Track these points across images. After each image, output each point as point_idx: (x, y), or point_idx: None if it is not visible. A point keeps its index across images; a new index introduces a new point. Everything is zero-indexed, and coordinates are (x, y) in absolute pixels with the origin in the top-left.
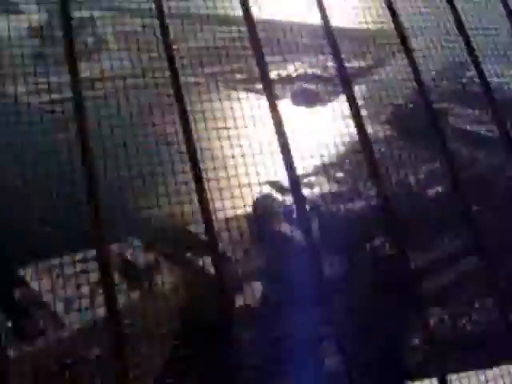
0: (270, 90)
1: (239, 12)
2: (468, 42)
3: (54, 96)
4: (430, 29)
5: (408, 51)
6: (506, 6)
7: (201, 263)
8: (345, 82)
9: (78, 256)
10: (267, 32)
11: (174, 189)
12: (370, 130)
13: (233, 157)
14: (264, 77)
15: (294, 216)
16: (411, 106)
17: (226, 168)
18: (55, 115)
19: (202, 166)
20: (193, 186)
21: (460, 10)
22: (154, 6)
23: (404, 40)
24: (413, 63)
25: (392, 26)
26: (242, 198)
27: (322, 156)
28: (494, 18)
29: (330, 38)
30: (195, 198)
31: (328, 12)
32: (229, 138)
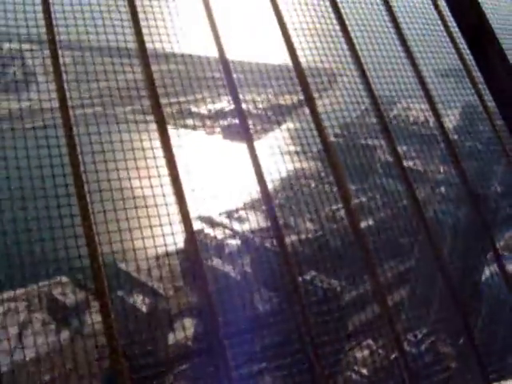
0: (202, 123)
1: (168, 46)
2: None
3: None
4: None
5: (334, 89)
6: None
7: (132, 301)
8: (276, 117)
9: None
10: (195, 67)
11: (104, 227)
12: (300, 165)
13: (163, 195)
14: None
15: (226, 251)
16: (340, 141)
17: (156, 206)
18: None
19: (133, 203)
20: (125, 223)
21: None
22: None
23: (333, 77)
24: (338, 101)
25: (323, 65)
26: (173, 234)
27: (252, 191)
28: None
29: (261, 74)
30: (127, 236)
31: (261, 47)
32: (159, 176)
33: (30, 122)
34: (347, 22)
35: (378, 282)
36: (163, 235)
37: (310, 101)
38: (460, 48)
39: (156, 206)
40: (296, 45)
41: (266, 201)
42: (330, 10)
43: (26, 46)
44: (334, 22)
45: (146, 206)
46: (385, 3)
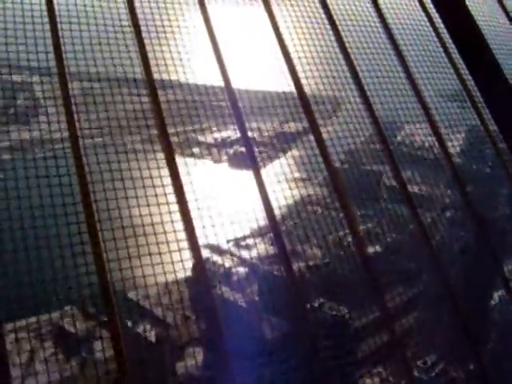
0: (209, 152)
1: (174, 76)
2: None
3: None
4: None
5: (339, 116)
6: None
7: (140, 330)
8: (281, 145)
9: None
10: (201, 96)
11: (113, 255)
12: (306, 192)
13: (172, 221)
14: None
15: (234, 279)
16: (346, 167)
17: (165, 233)
18: None
19: (141, 230)
20: (133, 250)
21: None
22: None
23: (337, 104)
24: (343, 128)
25: (327, 92)
26: (182, 262)
27: (259, 218)
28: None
29: (267, 102)
30: (135, 263)
31: (263, 76)
32: (167, 203)
33: (42, 152)
34: (350, 50)
35: (386, 309)
36: (172, 262)
37: (314, 128)
38: (461, 73)
39: (165, 232)
40: (300, 73)
41: (273, 228)
42: (332, 38)
43: (35, 78)
44: (337, 50)
45: (155, 233)
46: (386, 30)
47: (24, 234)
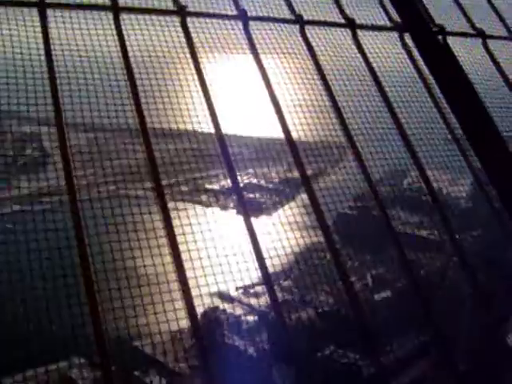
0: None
1: (188, 127)
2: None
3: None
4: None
5: (345, 162)
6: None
7: (149, 380)
8: (288, 191)
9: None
10: (207, 144)
11: (119, 304)
12: (315, 238)
13: (178, 271)
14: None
15: (243, 327)
16: (355, 213)
17: (172, 282)
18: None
19: (147, 278)
20: (141, 299)
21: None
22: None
23: (344, 150)
24: (351, 174)
25: (333, 139)
26: (189, 309)
27: (268, 265)
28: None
29: (273, 149)
30: (141, 311)
31: (268, 123)
32: (173, 251)
33: (49, 203)
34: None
35: (397, 356)
36: (178, 310)
37: (321, 174)
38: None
39: (171, 282)
40: (302, 120)
41: (282, 275)
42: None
43: (44, 129)
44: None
45: (158, 283)
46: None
47: (30, 284)
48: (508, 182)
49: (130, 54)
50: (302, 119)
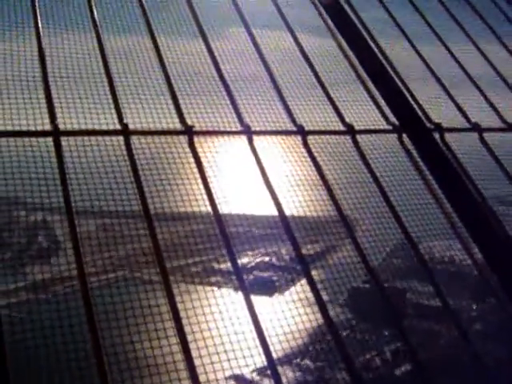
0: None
1: (194, 208)
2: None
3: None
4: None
5: (355, 238)
6: None
7: None
8: (301, 268)
9: None
10: (224, 223)
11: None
12: (329, 314)
13: (185, 354)
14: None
15: None
16: (367, 286)
17: (179, 362)
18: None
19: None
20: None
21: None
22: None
23: (352, 227)
24: (360, 249)
25: (343, 213)
26: None
27: (284, 345)
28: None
29: (283, 227)
30: None
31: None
32: (192, 332)
33: (62, 289)
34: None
35: None
36: None
37: (333, 249)
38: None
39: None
40: (311, 197)
41: (298, 354)
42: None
43: (56, 217)
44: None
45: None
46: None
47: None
48: (507, 268)
49: (140, 171)
50: (313, 196)
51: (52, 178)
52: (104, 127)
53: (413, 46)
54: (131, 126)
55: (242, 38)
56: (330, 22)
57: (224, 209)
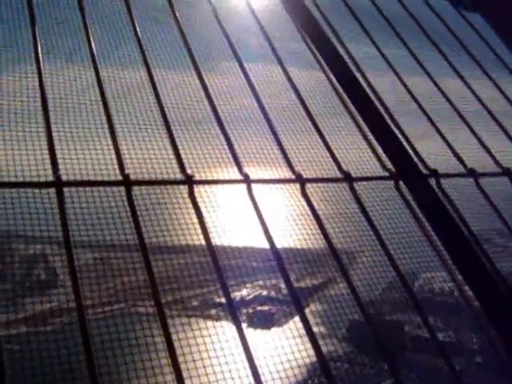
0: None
1: (195, 241)
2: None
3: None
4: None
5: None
6: None
7: None
8: (298, 302)
9: None
10: (223, 255)
11: None
12: (329, 347)
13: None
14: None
15: None
16: (366, 319)
17: None
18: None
19: None
20: None
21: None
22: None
23: (352, 256)
24: (354, 286)
25: (342, 245)
26: None
27: (283, 379)
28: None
29: (279, 260)
30: None
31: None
32: (187, 369)
33: (60, 323)
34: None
35: None
36: None
37: (331, 282)
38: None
39: None
40: (308, 230)
41: None
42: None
43: (55, 248)
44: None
45: None
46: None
47: None
48: (504, 320)
49: (140, 218)
50: (310, 229)
51: (53, 225)
52: (106, 178)
53: (400, 79)
54: (131, 172)
55: (235, 73)
56: (318, 55)
57: (221, 243)
